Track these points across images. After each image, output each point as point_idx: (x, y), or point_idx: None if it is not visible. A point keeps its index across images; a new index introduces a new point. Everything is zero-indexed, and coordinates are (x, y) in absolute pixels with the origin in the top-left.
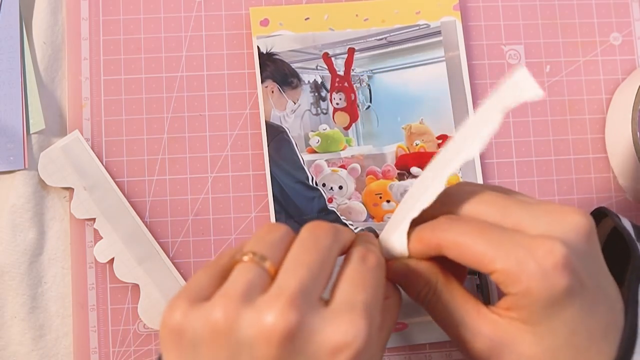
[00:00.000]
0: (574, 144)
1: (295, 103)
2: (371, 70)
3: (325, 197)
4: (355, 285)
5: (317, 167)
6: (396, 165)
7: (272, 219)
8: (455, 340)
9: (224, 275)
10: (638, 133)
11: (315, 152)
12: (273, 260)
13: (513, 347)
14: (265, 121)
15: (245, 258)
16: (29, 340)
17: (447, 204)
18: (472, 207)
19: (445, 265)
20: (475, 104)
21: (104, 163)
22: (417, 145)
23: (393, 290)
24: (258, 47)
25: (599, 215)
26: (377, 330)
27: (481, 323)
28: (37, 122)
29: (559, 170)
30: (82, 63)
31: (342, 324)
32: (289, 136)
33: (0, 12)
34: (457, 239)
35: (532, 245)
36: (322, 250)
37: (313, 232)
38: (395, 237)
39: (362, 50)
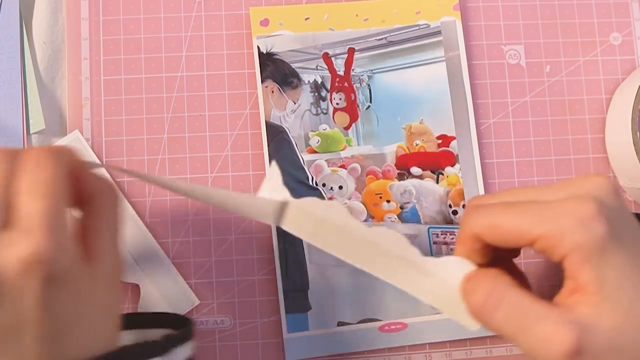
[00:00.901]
0: (574, 144)
1: (295, 103)
2: (371, 70)
3: (325, 197)
4: (32, 192)
5: (317, 167)
6: (396, 165)
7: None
8: (530, 344)
9: None
10: (638, 133)
11: (315, 152)
12: None
13: (597, 326)
14: (265, 121)
15: None
16: None
17: (473, 216)
18: (494, 201)
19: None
20: (475, 104)
21: (104, 163)
22: (417, 145)
23: (100, 188)
24: (258, 47)
25: None
26: (68, 232)
27: (564, 313)
28: (37, 122)
29: (559, 170)
30: (82, 63)
31: (24, 242)
32: (289, 136)
33: (0, 12)
34: (490, 221)
35: (563, 205)
36: None
37: None
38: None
39: (362, 50)
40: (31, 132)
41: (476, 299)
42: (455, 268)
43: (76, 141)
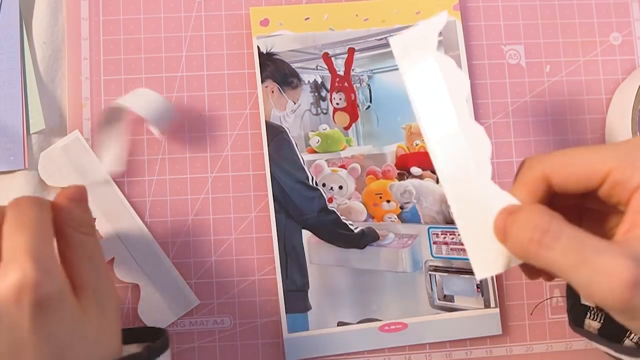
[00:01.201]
0: (575, 144)
1: (295, 103)
2: (371, 70)
3: (325, 197)
4: (13, 229)
5: (317, 167)
6: (396, 165)
7: (272, 218)
8: (587, 278)
9: None
10: (638, 133)
11: (315, 152)
12: None
13: None
14: (266, 121)
15: None
16: None
17: (544, 157)
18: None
19: None
20: (475, 104)
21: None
22: (417, 145)
23: (88, 223)
24: (258, 47)
25: None
26: (54, 260)
27: (623, 248)
28: (37, 122)
29: None
30: (82, 63)
31: (11, 272)
32: (289, 136)
33: (0, 12)
34: (564, 159)
35: (634, 142)
36: None
37: None
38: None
39: (362, 50)
40: (31, 132)
41: (531, 232)
42: (503, 205)
43: (76, 141)
